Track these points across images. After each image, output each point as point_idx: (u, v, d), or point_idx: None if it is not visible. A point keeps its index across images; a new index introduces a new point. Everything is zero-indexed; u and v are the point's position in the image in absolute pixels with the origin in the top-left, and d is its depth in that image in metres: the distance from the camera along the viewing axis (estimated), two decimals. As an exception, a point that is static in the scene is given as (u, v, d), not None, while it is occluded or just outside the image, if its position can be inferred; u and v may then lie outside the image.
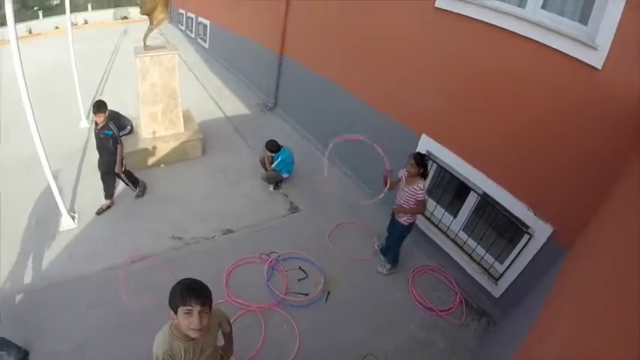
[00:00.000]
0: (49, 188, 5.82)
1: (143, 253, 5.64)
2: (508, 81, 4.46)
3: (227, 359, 3.29)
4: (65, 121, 8.77)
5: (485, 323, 5.08)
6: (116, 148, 6.08)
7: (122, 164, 6.25)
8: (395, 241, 5.33)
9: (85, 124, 8.83)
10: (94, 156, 7.77)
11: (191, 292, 2.33)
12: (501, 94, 4.56)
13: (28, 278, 5.25)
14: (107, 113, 5.89)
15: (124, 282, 5.09)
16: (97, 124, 5.98)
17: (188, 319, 2.33)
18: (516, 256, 4.67)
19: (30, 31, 15.79)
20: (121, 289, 4.96)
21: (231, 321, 4.57)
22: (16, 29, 4.71)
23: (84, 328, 4.62)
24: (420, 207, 4.87)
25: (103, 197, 6.48)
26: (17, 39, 4.75)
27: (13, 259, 5.51)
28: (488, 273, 5.11)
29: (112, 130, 5.95)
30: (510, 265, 4.76)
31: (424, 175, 4.76)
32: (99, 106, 5.82)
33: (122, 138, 7.56)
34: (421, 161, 4.61)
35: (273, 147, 6.99)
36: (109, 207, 6.52)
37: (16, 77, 4.93)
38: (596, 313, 1.97)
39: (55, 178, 5.82)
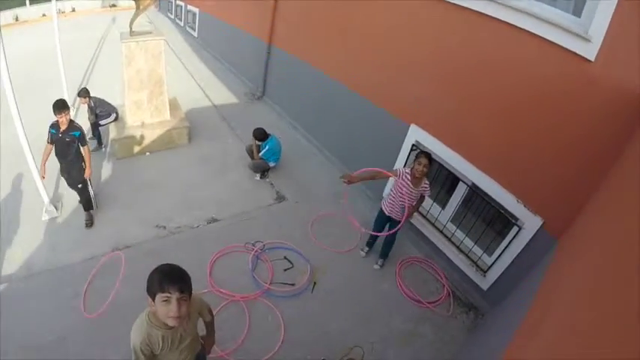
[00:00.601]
0: (33, 177, 5.66)
1: (127, 242, 5.54)
2: (499, 71, 4.40)
3: (209, 349, 3.22)
4: (50, 110, 8.52)
5: (473, 316, 5.07)
6: (83, 149, 5.43)
7: (91, 168, 5.61)
8: (395, 240, 5.35)
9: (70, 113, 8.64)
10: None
11: (169, 278, 2.23)
12: (491, 84, 4.51)
13: (11, 268, 5.08)
14: (69, 114, 5.21)
15: (107, 271, 4.99)
16: (57, 127, 5.22)
17: (166, 307, 2.24)
18: (505, 248, 4.64)
19: (16, 19, 15.46)
20: (104, 279, 4.86)
21: (215, 311, 4.55)
22: None
23: (67, 318, 4.53)
24: (422, 201, 4.95)
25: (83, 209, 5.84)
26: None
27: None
28: (477, 265, 5.08)
29: (79, 130, 5.32)
30: (499, 257, 4.73)
31: (427, 174, 4.66)
32: (60, 107, 5.07)
33: (108, 126, 7.51)
34: (432, 160, 4.53)
35: (260, 135, 6.90)
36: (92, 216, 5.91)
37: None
38: (584, 309, 1.92)
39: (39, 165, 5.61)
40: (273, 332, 4.58)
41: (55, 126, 5.24)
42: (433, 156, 5.25)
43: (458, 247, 5.33)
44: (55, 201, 6.12)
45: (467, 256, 5.21)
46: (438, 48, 5.11)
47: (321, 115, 7.85)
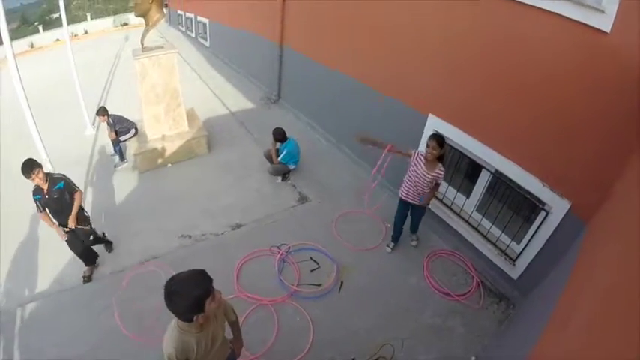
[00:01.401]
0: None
1: (153, 253, 5.65)
2: (513, 52, 4.27)
3: (238, 350, 3.26)
4: (71, 131, 8.82)
5: (504, 306, 4.94)
6: (74, 195, 5.02)
7: (77, 211, 5.05)
8: (420, 221, 5.41)
9: (91, 132, 8.88)
10: (101, 161, 7.86)
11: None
12: (507, 66, 4.37)
13: (43, 285, 5.29)
14: (41, 171, 4.66)
15: (135, 283, 5.11)
16: (40, 191, 4.77)
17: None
18: (533, 235, 4.49)
19: (32, 46, 15.98)
20: (133, 290, 4.99)
21: (244, 316, 4.61)
22: (12, 46, 4.78)
23: (98, 330, 4.64)
24: (437, 189, 4.89)
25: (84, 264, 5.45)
26: (14, 55, 4.83)
27: (29, 267, 5.58)
28: (505, 254, 4.95)
29: (62, 180, 4.92)
30: (527, 244, 4.58)
31: (442, 158, 4.63)
32: (28, 168, 4.55)
33: (128, 141, 7.65)
34: (442, 143, 4.45)
35: (279, 135, 6.91)
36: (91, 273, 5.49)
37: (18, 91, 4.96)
38: (613, 301, 1.85)
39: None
40: (302, 334, 4.57)
41: (37, 192, 4.78)
42: (453, 144, 5.19)
43: (485, 237, 5.20)
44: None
45: (495, 245, 5.08)
46: (449, 34, 5.00)
47: (338, 113, 7.82)
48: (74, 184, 5.05)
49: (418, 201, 4.96)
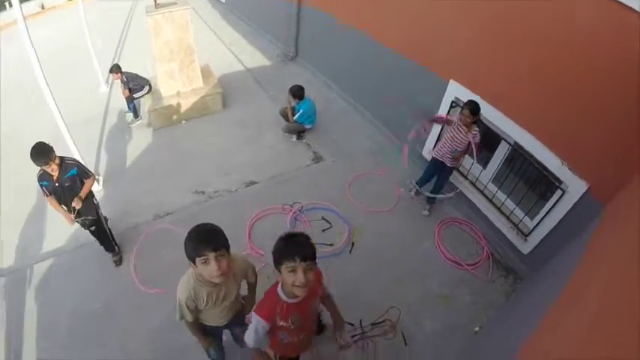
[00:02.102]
0: (71, 153, 5.79)
1: (167, 209, 5.71)
2: (542, 23, 4.00)
3: (249, 308, 3.33)
4: (84, 89, 8.77)
5: (512, 280, 4.94)
6: (86, 181, 4.50)
7: (86, 195, 4.51)
8: (444, 185, 5.38)
9: (105, 90, 8.83)
10: (114, 118, 7.86)
11: (203, 241, 2.33)
12: (534, 36, 4.11)
13: (59, 242, 5.40)
14: (55, 158, 4.11)
15: (148, 239, 5.22)
16: (48, 176, 4.20)
17: (207, 267, 2.36)
18: (548, 212, 4.39)
19: (42, 7, 15.67)
20: (147, 246, 5.11)
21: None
22: (21, 8, 4.67)
23: (112, 285, 4.77)
24: (470, 150, 4.85)
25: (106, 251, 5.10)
26: (24, 16, 4.69)
27: (44, 226, 5.68)
28: (518, 228, 4.88)
29: (75, 166, 4.35)
30: (541, 221, 4.50)
31: (477, 121, 4.66)
32: (40, 155, 3.99)
33: (142, 98, 7.61)
34: (476, 110, 4.50)
35: (297, 91, 6.76)
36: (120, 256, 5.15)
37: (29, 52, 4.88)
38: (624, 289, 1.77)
39: (78, 143, 5.84)
40: None
41: (44, 177, 4.20)
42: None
43: (499, 209, 5.12)
44: (96, 174, 6.28)
45: (508, 218, 5.01)
46: (477, 1, 4.71)
47: (357, 73, 7.57)
48: (88, 169, 4.53)
49: (450, 161, 5.00)
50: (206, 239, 2.35)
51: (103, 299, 4.63)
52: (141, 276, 4.85)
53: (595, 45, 3.57)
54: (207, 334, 3.21)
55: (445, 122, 5.07)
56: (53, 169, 4.10)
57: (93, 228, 4.77)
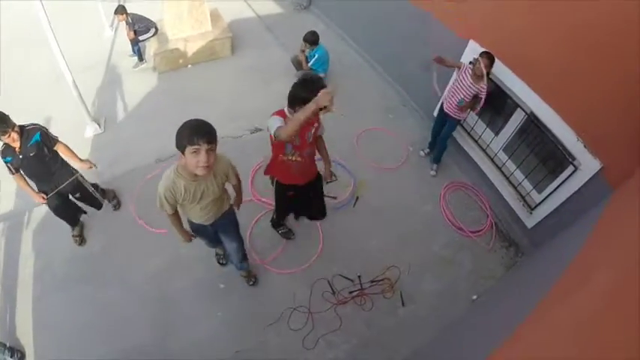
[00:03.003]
0: (74, 97, 5.67)
1: (169, 152, 5.60)
2: None
3: (238, 205, 3.70)
4: (88, 33, 8.38)
5: (513, 252, 4.93)
6: (55, 146, 4.08)
7: (79, 158, 4.34)
8: (447, 139, 5.31)
9: (109, 34, 8.45)
10: (118, 62, 7.63)
11: (198, 131, 2.46)
12: (562, 5, 3.82)
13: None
14: (15, 127, 3.68)
15: (148, 182, 5.19)
16: (10, 149, 3.77)
17: (196, 157, 2.50)
18: (557, 188, 4.29)
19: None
20: (148, 188, 5.06)
21: (256, 219, 4.61)
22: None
23: (110, 228, 4.76)
24: (476, 102, 4.73)
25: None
26: None
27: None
28: (524, 200, 4.79)
29: (38, 130, 3.88)
30: (549, 196, 4.40)
31: (487, 74, 4.52)
32: (3, 122, 3.60)
33: (147, 41, 7.34)
34: (492, 62, 4.41)
35: (313, 38, 6.51)
36: (118, 200, 5.08)
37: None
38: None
39: (81, 87, 5.64)
40: (311, 244, 4.67)
41: (6, 152, 3.77)
42: (491, 76, 4.73)
43: (507, 179, 5.02)
44: (99, 118, 6.24)
45: (515, 189, 4.91)
46: None
47: (372, 26, 7.21)
48: (52, 135, 4.05)
49: (456, 112, 4.90)
50: (202, 131, 2.46)
51: (103, 242, 4.69)
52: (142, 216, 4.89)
53: (627, 21, 3.29)
54: (196, 231, 3.53)
55: (452, 66, 4.84)
56: (14, 139, 3.68)
57: (77, 195, 4.45)
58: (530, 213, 4.66)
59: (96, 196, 4.67)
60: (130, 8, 7.09)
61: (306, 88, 3.01)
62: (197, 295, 4.28)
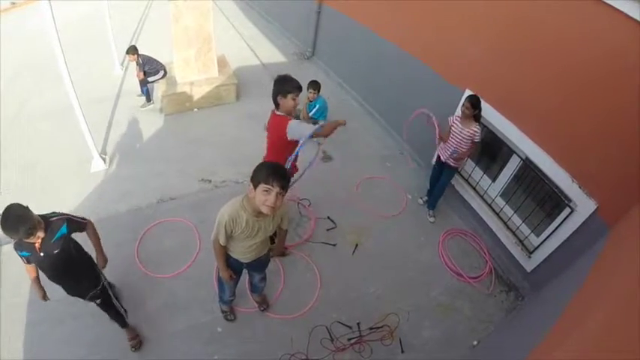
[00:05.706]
0: (82, 133, 5.77)
1: (171, 194, 5.67)
2: (560, 39, 3.97)
3: (277, 251, 3.89)
4: (99, 70, 8.71)
5: (513, 297, 4.90)
6: (85, 228, 3.44)
7: (103, 253, 3.70)
8: (445, 187, 5.40)
9: (119, 72, 8.77)
10: (126, 101, 7.82)
11: (276, 174, 2.61)
12: (551, 52, 4.08)
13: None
14: (40, 222, 2.92)
15: (150, 223, 5.18)
16: (27, 245, 3.00)
17: (265, 196, 2.63)
18: (554, 230, 4.35)
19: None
20: (149, 230, 5.09)
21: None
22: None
23: (112, 265, 4.68)
24: (474, 149, 4.87)
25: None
26: None
27: (47, 200, 5.55)
28: (523, 244, 4.83)
29: (64, 221, 3.15)
30: (547, 238, 4.45)
31: (477, 118, 4.64)
32: (25, 220, 2.80)
33: (156, 83, 7.56)
34: (477, 103, 4.54)
35: (317, 85, 6.71)
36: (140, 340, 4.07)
37: (47, 31, 4.80)
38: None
39: (88, 122, 5.74)
40: (309, 290, 4.66)
41: (22, 246, 3.02)
42: (486, 123, 4.93)
43: (505, 223, 5.07)
44: (104, 153, 6.32)
45: (513, 233, 4.95)
46: (496, 14, 4.67)
47: (372, 76, 7.52)
48: (79, 218, 3.38)
49: (452, 158, 4.95)
50: (279, 175, 2.61)
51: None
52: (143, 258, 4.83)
53: (617, 59, 3.52)
54: (230, 266, 3.45)
55: (439, 137, 5.01)
56: (39, 237, 2.96)
57: (98, 301, 3.63)
58: (529, 257, 4.67)
59: (120, 312, 3.86)
60: (141, 49, 7.35)
61: (285, 83, 3.90)
62: (194, 337, 4.22)
